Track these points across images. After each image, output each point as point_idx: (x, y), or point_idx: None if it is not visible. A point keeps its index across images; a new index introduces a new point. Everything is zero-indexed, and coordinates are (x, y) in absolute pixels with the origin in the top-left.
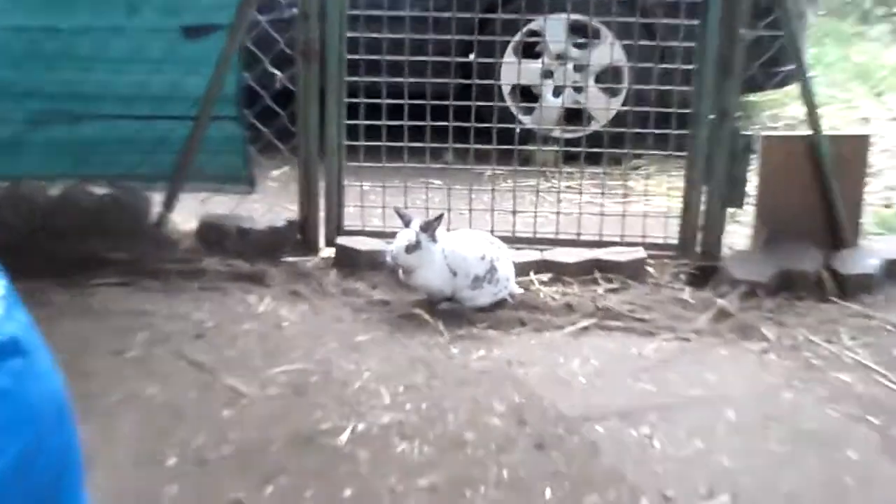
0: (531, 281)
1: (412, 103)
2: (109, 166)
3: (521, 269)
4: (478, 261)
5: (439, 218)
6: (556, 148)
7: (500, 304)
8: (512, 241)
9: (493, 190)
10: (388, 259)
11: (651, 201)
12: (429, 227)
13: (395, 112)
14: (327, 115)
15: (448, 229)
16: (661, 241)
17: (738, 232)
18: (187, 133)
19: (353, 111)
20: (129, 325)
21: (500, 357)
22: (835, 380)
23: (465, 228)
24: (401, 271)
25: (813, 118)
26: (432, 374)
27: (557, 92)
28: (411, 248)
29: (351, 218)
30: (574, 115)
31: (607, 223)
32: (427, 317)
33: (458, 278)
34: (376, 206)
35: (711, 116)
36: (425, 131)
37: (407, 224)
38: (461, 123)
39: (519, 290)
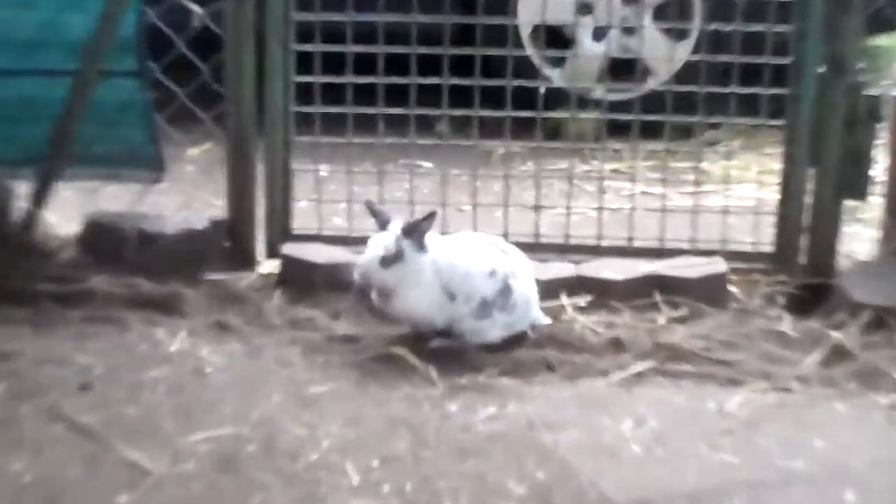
0: (563, 307)
1: (390, 52)
2: None
3: (549, 290)
4: (485, 278)
5: (429, 217)
6: (597, 115)
7: (517, 341)
8: (535, 249)
9: (506, 176)
10: (357, 277)
11: (734, 192)
12: (414, 231)
13: (366, 65)
14: (267, 69)
15: (443, 233)
16: (748, 248)
17: (860, 235)
18: (65, 95)
19: (305, 63)
20: None
21: (518, 416)
22: None
23: (466, 231)
24: (374, 294)
25: None
26: (420, 442)
27: (599, 35)
28: (389, 261)
29: (303, 217)
30: (623, 68)
31: (671, 224)
32: (413, 359)
33: (456, 303)
34: (339, 201)
35: (821, 69)
36: (409, 92)
37: (383, 226)
38: (461, 80)
39: (545, 320)
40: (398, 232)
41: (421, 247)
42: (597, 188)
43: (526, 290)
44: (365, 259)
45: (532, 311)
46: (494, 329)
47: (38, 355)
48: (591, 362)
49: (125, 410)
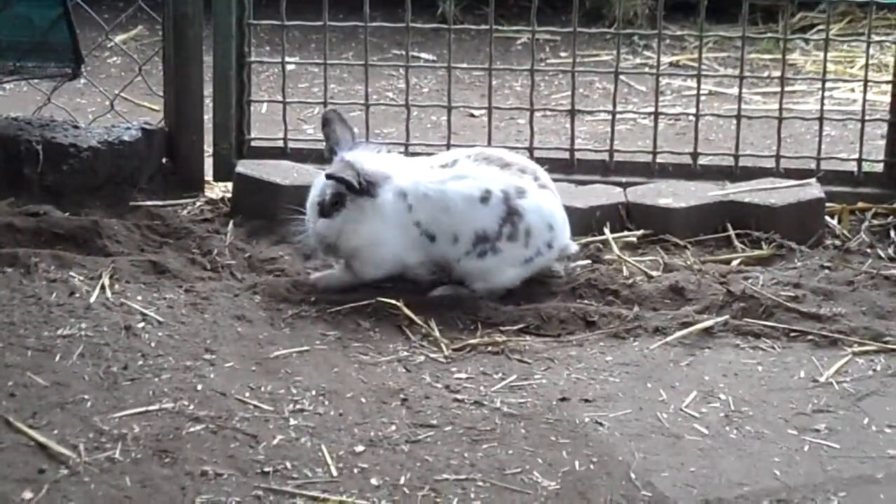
0: (606, 244)
1: None
2: None
3: (588, 221)
4: (474, 205)
5: (347, 168)
6: None
7: (541, 283)
8: (570, 168)
9: (532, 71)
10: (310, 238)
11: (833, 93)
12: (347, 180)
13: None
14: None
15: (449, 147)
16: (851, 167)
17: None
18: None
19: None
20: None
21: (547, 388)
22: None
23: (460, 148)
24: (319, 251)
25: None
26: (418, 420)
27: None
28: (328, 209)
29: (264, 125)
30: None
31: (750, 135)
32: (408, 312)
33: (439, 244)
34: (311, 102)
35: None
36: None
37: (331, 152)
38: None
39: (574, 248)
40: (342, 166)
41: (368, 188)
42: (651, 87)
43: (545, 211)
44: (308, 212)
45: (559, 240)
46: (507, 268)
47: None
48: (642, 317)
49: (31, 380)
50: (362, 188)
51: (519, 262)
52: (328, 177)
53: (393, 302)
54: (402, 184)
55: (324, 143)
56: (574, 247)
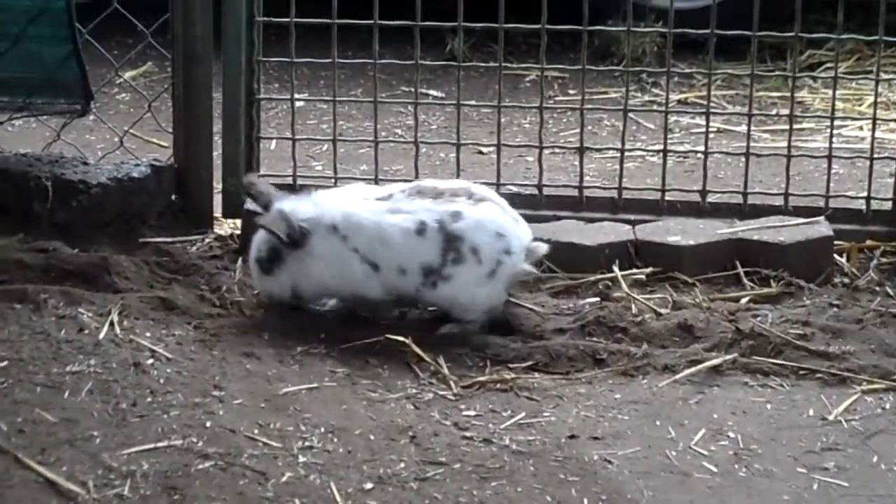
0: (614, 280)
1: None
2: None
3: (597, 258)
4: (413, 237)
5: (273, 222)
6: (658, 28)
7: (549, 320)
8: (578, 205)
9: (541, 108)
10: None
11: (841, 131)
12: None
13: None
14: None
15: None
16: (859, 206)
17: None
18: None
19: None
20: None
21: (556, 425)
22: None
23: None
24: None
25: None
26: (427, 457)
27: None
28: (269, 265)
29: (273, 162)
30: None
31: (756, 171)
32: (417, 349)
33: (384, 274)
34: (320, 139)
35: None
36: None
37: (266, 209)
38: None
39: (543, 249)
40: (269, 227)
41: (299, 240)
42: (660, 124)
43: (487, 223)
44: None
45: (516, 243)
46: (473, 289)
47: None
48: (651, 355)
49: (38, 416)
50: (293, 240)
51: (482, 280)
52: (260, 226)
53: (401, 339)
54: (332, 219)
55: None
56: (544, 247)
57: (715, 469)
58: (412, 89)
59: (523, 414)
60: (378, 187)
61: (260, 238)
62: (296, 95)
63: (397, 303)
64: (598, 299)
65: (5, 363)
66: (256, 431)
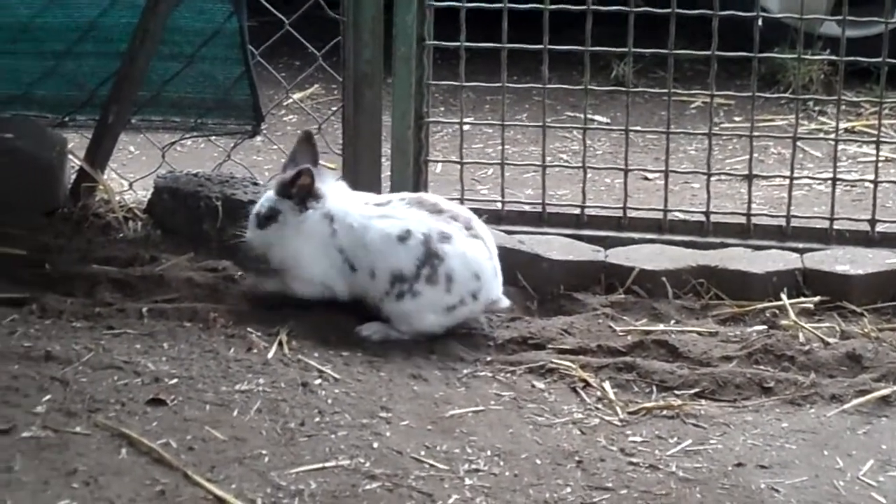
0: (782, 308)
1: None
2: None
3: (764, 287)
4: (392, 244)
5: (300, 175)
6: (827, 55)
7: (716, 347)
8: (745, 232)
9: (710, 134)
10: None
11: None
12: (287, 190)
13: None
14: None
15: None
16: None
17: None
18: (130, 21)
19: None
20: (25, 379)
21: (723, 453)
22: None
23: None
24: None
25: None
26: (593, 482)
27: None
28: (263, 221)
29: (438, 184)
30: None
31: None
32: (583, 374)
33: (359, 276)
34: (486, 163)
35: None
36: (583, 23)
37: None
38: (650, 9)
39: (504, 303)
40: (279, 185)
41: (302, 205)
42: (826, 153)
43: (471, 260)
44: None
45: (486, 291)
46: (428, 313)
47: (95, 359)
48: (819, 384)
49: (208, 433)
50: (306, 197)
51: (441, 309)
52: (276, 189)
53: (568, 364)
54: (332, 208)
55: (287, 159)
56: (506, 302)
57: (884, 500)
58: (577, 114)
59: (690, 441)
60: (382, 195)
61: (268, 196)
62: (466, 119)
63: (356, 304)
64: (765, 327)
65: (175, 381)
66: (423, 453)
